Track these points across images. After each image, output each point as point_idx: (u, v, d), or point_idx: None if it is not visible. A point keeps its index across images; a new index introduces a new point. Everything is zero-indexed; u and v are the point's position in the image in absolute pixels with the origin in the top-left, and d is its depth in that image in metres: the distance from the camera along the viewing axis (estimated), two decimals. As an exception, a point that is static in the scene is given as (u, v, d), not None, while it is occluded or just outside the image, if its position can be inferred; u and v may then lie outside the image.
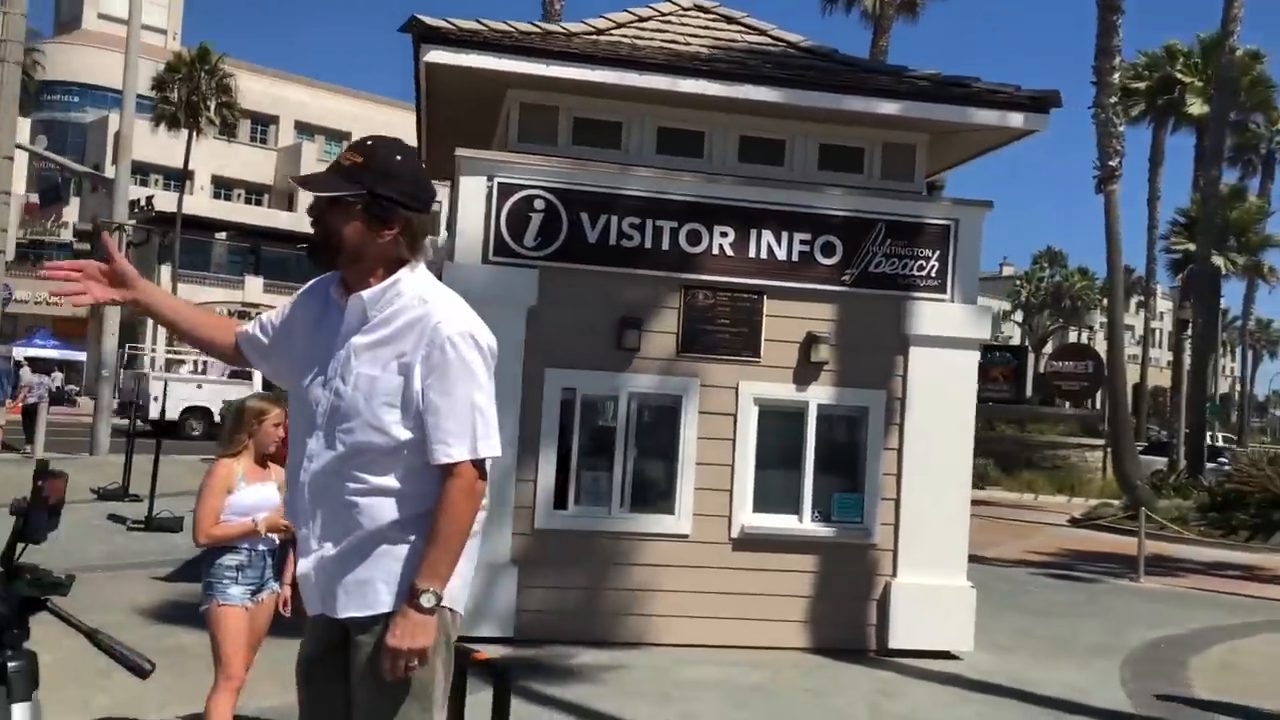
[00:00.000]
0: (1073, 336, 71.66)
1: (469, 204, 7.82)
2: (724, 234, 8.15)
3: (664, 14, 9.33)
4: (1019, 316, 76.40)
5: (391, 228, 2.51)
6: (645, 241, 8.03)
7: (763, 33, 9.35)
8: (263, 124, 56.75)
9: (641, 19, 9.10)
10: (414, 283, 2.56)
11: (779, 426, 8.35)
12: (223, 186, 55.03)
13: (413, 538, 2.49)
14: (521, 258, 7.85)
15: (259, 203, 56.20)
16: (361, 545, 2.50)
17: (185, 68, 44.06)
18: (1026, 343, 66.31)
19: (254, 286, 47.09)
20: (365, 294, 2.53)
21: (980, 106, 8.43)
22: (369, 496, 2.50)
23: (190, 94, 44.16)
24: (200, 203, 49.55)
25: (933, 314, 8.37)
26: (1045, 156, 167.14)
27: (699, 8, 9.60)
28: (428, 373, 2.46)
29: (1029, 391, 35.64)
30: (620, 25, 8.93)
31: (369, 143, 2.57)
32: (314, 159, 56.64)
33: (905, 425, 8.34)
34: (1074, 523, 21.22)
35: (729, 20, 9.49)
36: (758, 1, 10.54)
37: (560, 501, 7.97)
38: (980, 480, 26.06)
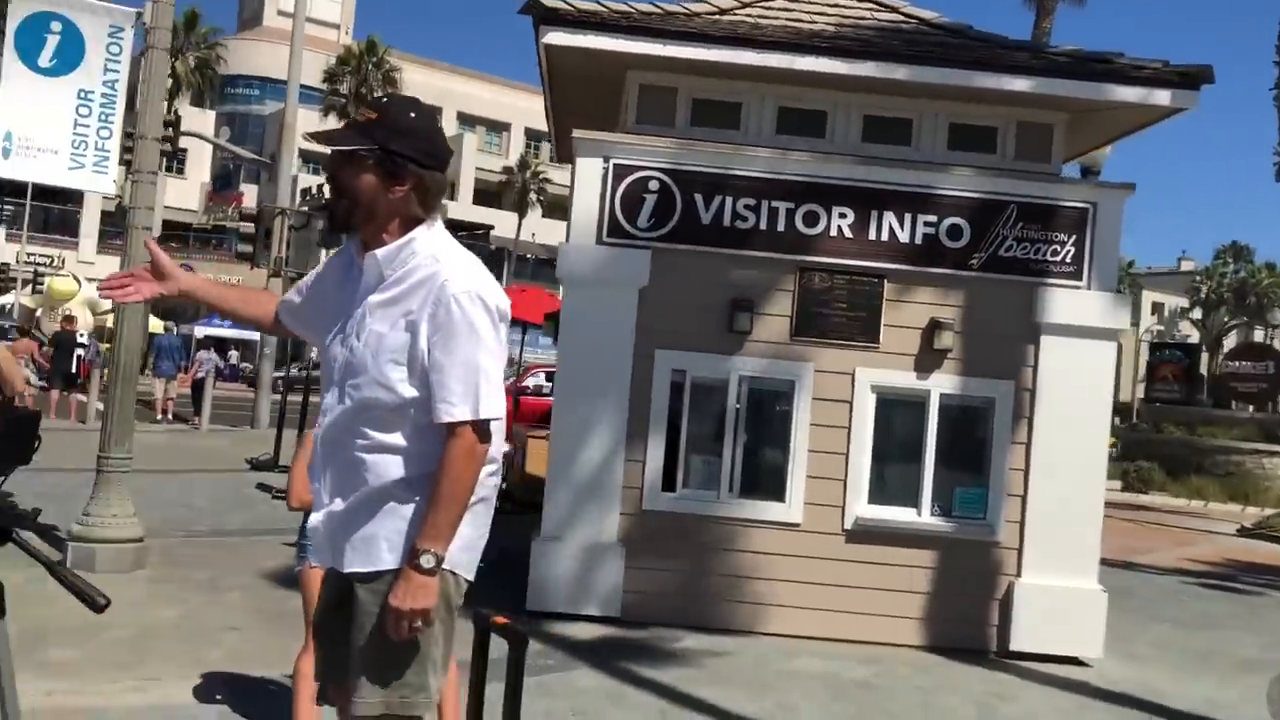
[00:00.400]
0: (1258, 336, 67.39)
1: (585, 185, 7.84)
2: (843, 215, 7.93)
3: (792, -10, 9.12)
4: (1197, 314, 72.29)
5: (404, 184, 2.53)
6: (760, 223, 7.89)
7: (895, 9, 9.05)
8: (427, 115, 58.60)
9: (768, -2, 8.92)
10: (428, 241, 2.57)
11: (898, 415, 8.10)
12: (388, 175, 57.08)
13: (419, 498, 2.49)
14: (635, 239, 7.83)
15: (421, 191, 58.02)
16: (368, 501, 2.52)
17: (354, 60, 46.00)
18: (1203, 342, 62.75)
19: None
20: (380, 252, 2.56)
21: (1122, 83, 7.94)
22: (376, 453, 2.51)
23: (359, 86, 46.07)
24: (367, 191, 51.43)
25: (1066, 302, 7.95)
26: (1236, 143, 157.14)
27: (828, -16, 9.35)
28: (433, 331, 2.45)
29: (1202, 393, 33.70)
30: (746, 5, 8.78)
31: (384, 100, 2.62)
32: (474, 149, 58.22)
33: (1035, 418, 7.96)
34: (1243, 532, 19.89)
35: (858, -3, 9.22)
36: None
37: (668, 484, 7.93)
38: (1143, 484, 24.73)
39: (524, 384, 19.82)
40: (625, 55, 7.92)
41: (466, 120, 59.19)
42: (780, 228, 7.91)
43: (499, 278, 15.84)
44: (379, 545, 2.49)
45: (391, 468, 2.50)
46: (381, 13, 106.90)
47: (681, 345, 7.88)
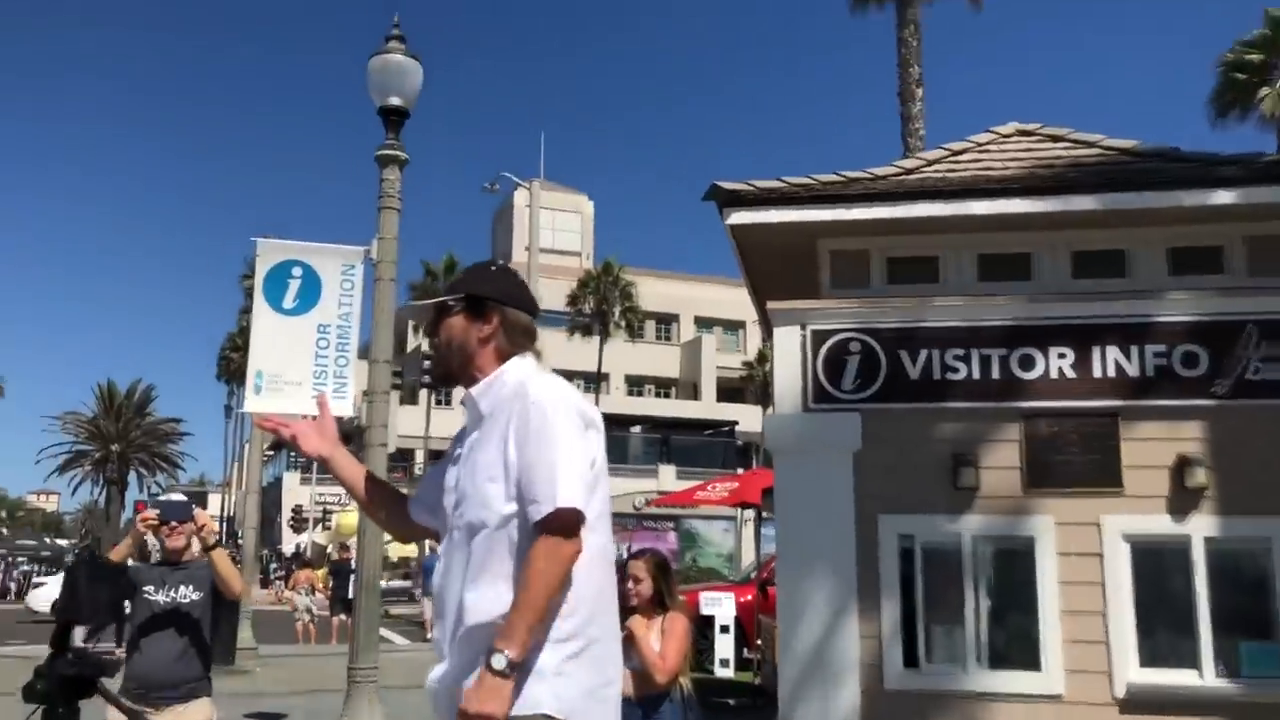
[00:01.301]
0: None
1: (785, 354, 7.83)
2: (1062, 355, 7.50)
3: (981, 144, 9.05)
4: None
5: (490, 321, 2.67)
6: (972, 372, 7.58)
7: (1092, 145, 8.77)
8: (665, 322, 60.83)
9: (955, 152, 8.89)
10: (517, 370, 2.66)
11: (1158, 565, 7.33)
12: (634, 384, 59.15)
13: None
14: (842, 402, 7.68)
15: (667, 395, 59.64)
16: (474, 651, 2.43)
17: (594, 282, 48.64)
18: None
19: (667, 474, 49.42)
20: (474, 389, 2.67)
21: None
22: (480, 587, 2.46)
23: (599, 304, 48.53)
24: (615, 400, 53.44)
25: (1340, 421, 7.11)
26: None
27: (1021, 132, 9.23)
28: (518, 438, 2.48)
29: None
30: (932, 162, 8.77)
31: (467, 267, 2.84)
32: (714, 349, 59.62)
33: (1323, 554, 7.02)
34: None
35: (1054, 139, 9.02)
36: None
37: (910, 659, 7.42)
38: None
39: (768, 574, 19.36)
40: (812, 224, 8.01)
41: (704, 323, 61.00)
42: (995, 375, 7.56)
43: (747, 468, 15.85)
44: None
45: (495, 606, 2.42)
46: (618, 234, 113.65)
47: (905, 508, 7.53)
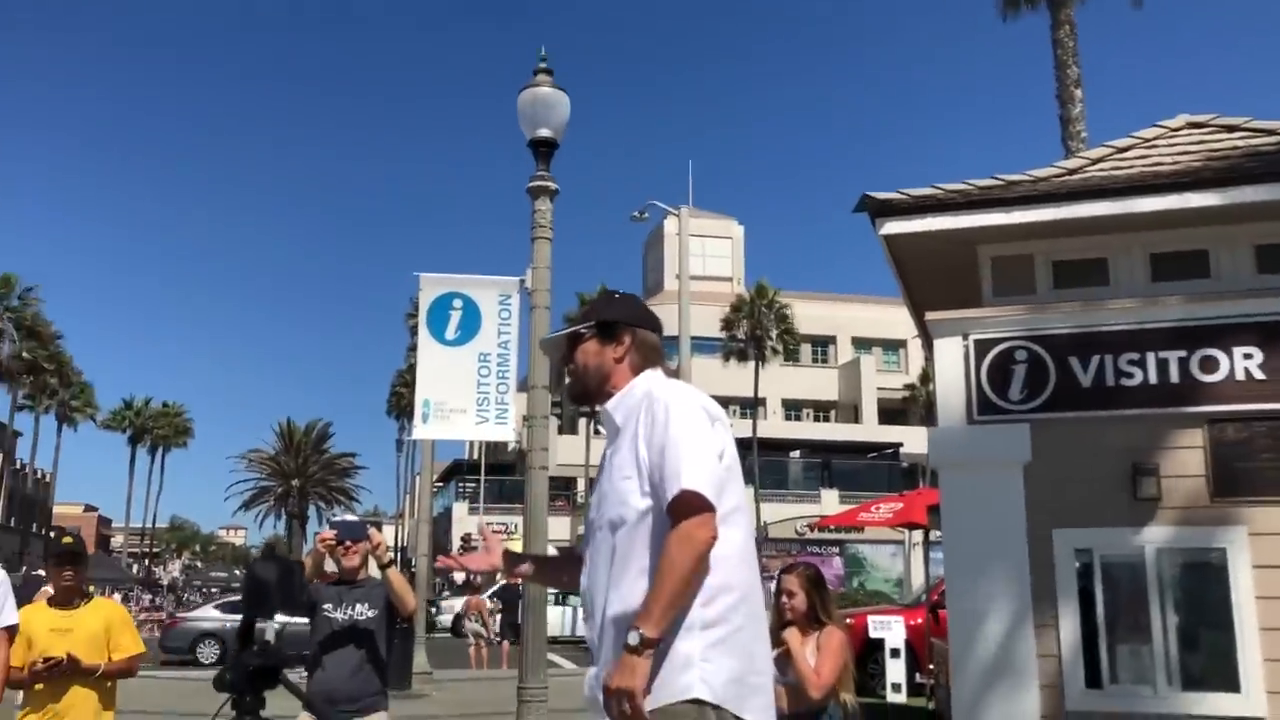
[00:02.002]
0: None
1: (946, 366, 7.61)
2: (1248, 355, 7.06)
3: (1148, 140, 8.64)
4: None
5: (621, 342, 2.85)
6: (1149, 377, 7.20)
7: (1271, 133, 8.25)
8: (822, 345, 60.05)
9: (1121, 149, 8.50)
10: (646, 381, 2.79)
11: (1369, 577, 6.79)
12: (791, 408, 58.56)
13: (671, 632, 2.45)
14: (1009, 413, 7.41)
15: (826, 419, 58.82)
16: (622, 638, 2.48)
17: (747, 306, 48.47)
18: None
19: (829, 498, 48.70)
20: (609, 403, 2.81)
21: None
22: (623, 585, 2.54)
23: (754, 328, 48.31)
24: (773, 425, 53.01)
25: None
26: None
27: (1192, 124, 8.77)
28: (646, 436, 2.60)
29: None
30: (1096, 160, 8.42)
31: (592, 297, 2.92)
32: (874, 370, 58.53)
33: None
34: None
35: (1229, 129, 8.53)
36: None
37: (1093, 679, 7.06)
38: None
39: (939, 597, 18.78)
40: (971, 231, 7.78)
41: (862, 344, 59.96)
42: (1174, 379, 7.17)
43: (913, 490, 15.42)
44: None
45: (639, 597, 2.49)
46: (770, 258, 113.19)
47: (1081, 521, 7.20)
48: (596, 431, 45.33)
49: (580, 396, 2.89)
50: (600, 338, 2.85)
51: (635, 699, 2.36)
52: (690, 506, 2.45)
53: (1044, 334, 7.43)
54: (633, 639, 2.38)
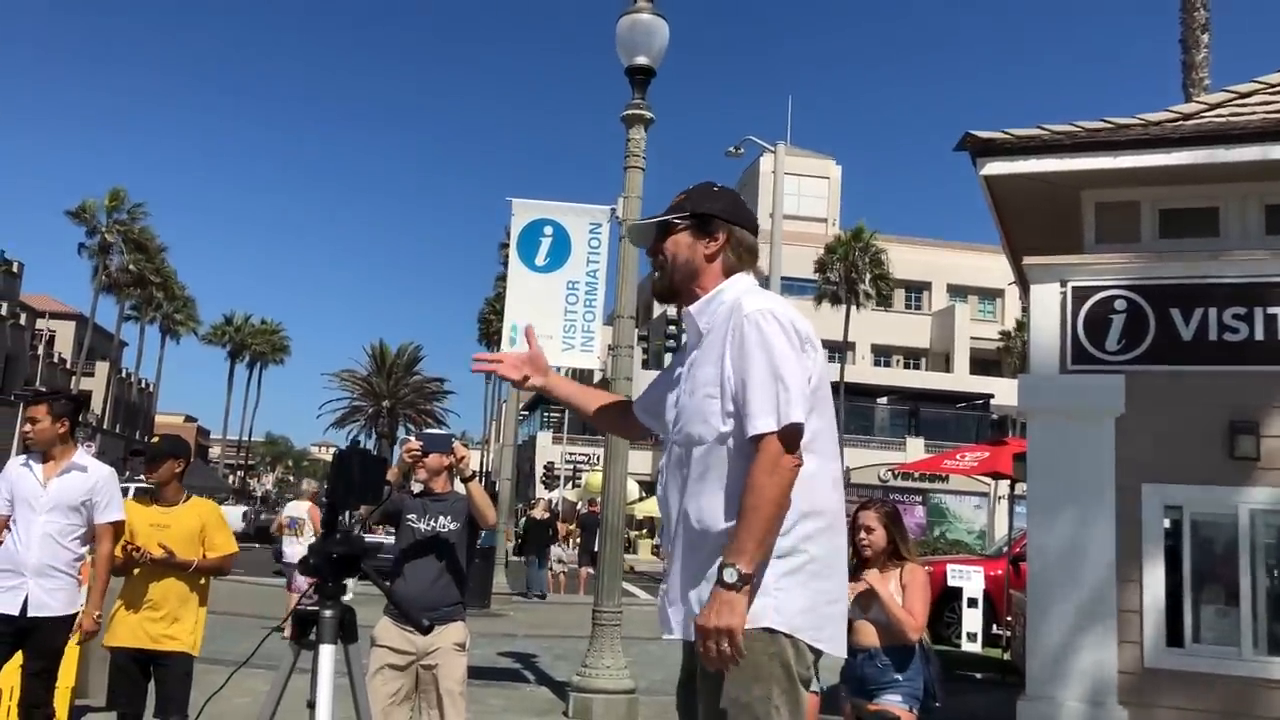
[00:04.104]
0: None
1: (1042, 312, 7.43)
2: (1364, 316, 6.76)
3: (1273, 85, 8.21)
4: None
5: (715, 238, 2.69)
6: (1255, 333, 6.94)
7: None
8: (915, 291, 59.01)
9: (1242, 95, 8.11)
10: (735, 287, 2.67)
11: None
12: (881, 354, 57.82)
13: None
14: (1104, 363, 7.22)
15: (916, 366, 57.99)
16: (701, 561, 2.48)
17: (842, 248, 47.77)
18: None
19: (915, 447, 48.21)
20: (693, 306, 2.69)
21: None
22: (701, 498, 2.50)
23: (848, 271, 47.64)
24: (862, 370, 52.45)
25: None
26: None
27: (1322, 70, 8.31)
28: (733, 356, 2.49)
29: None
30: (1215, 106, 8.05)
31: (690, 186, 2.80)
32: (968, 319, 57.41)
33: None
34: None
35: (1362, 75, 8.08)
36: None
37: (1174, 638, 6.94)
38: None
39: (1020, 549, 18.55)
40: (1076, 174, 7.54)
41: (957, 291, 58.78)
42: (1282, 337, 6.90)
43: (1001, 444, 15.19)
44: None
45: (716, 513, 2.46)
46: (867, 200, 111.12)
47: (1173, 478, 7.02)
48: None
49: (664, 292, 2.77)
50: (694, 231, 2.69)
51: (735, 637, 2.30)
52: (781, 439, 2.38)
53: (1146, 284, 7.20)
54: (729, 575, 2.31)
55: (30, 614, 4.95)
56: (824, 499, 2.51)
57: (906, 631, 4.59)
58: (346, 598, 2.64)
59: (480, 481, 5.50)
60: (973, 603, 14.06)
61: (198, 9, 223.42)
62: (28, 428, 5.10)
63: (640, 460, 41.74)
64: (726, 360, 2.51)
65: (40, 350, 56.29)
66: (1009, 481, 14.66)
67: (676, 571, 2.57)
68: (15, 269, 55.16)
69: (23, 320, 53.69)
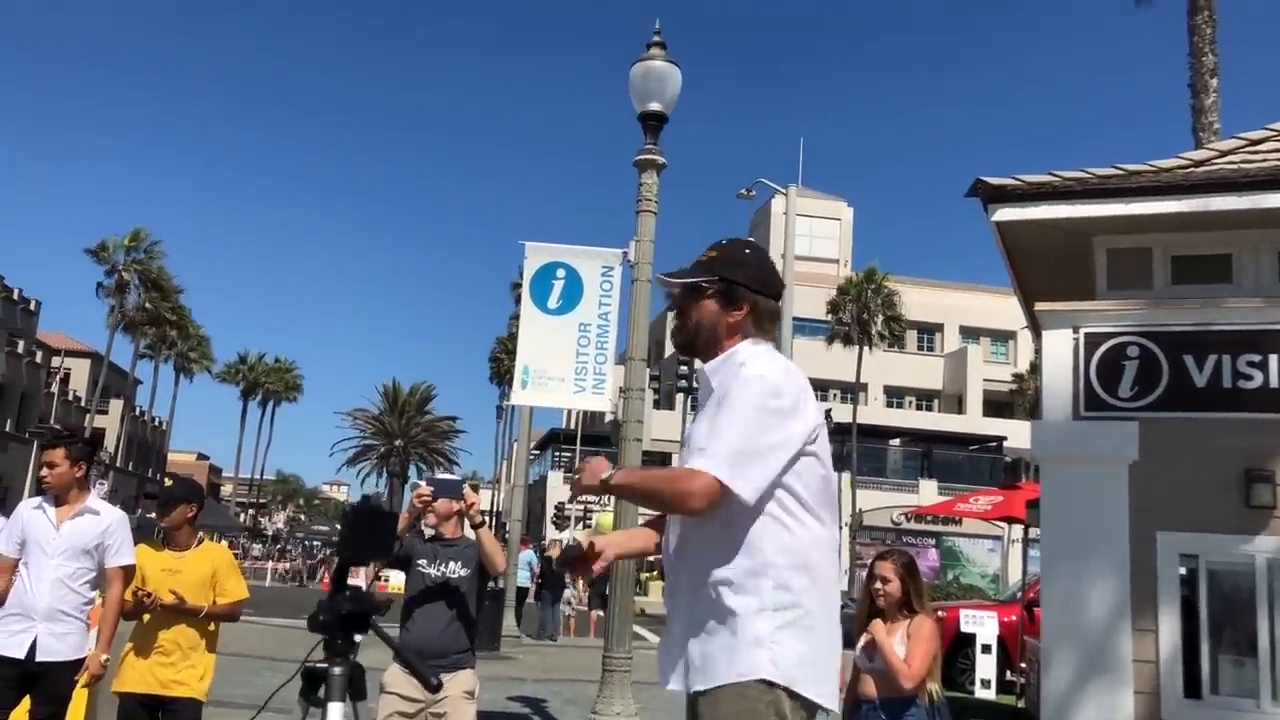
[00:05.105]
0: None
1: (1054, 358, 7.42)
2: (1379, 363, 6.72)
3: (1284, 131, 8.25)
4: None
5: (740, 308, 2.72)
6: (1270, 380, 6.91)
7: None
8: (928, 332, 58.97)
9: (1253, 142, 8.15)
10: (747, 350, 2.69)
11: None
12: (894, 395, 57.69)
13: (747, 598, 2.46)
14: (1117, 410, 7.19)
15: (929, 408, 57.83)
16: (700, 612, 2.52)
17: (854, 289, 47.78)
18: None
19: (928, 489, 47.93)
20: (708, 364, 2.73)
21: None
22: (701, 549, 2.55)
23: (860, 312, 47.62)
24: (874, 412, 52.31)
25: None
26: None
27: (1333, 117, 8.34)
28: (718, 404, 2.57)
29: None
30: (1226, 153, 8.08)
31: (724, 242, 2.83)
32: (980, 361, 57.30)
33: None
34: None
35: (1376, 122, 8.10)
36: None
37: (1191, 689, 6.85)
38: None
39: (1035, 594, 18.36)
40: (1088, 220, 7.56)
41: (969, 333, 58.72)
42: (1297, 384, 6.87)
43: (1015, 488, 15.14)
44: (715, 661, 2.47)
45: (712, 564, 2.50)
46: (879, 241, 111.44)
47: (1188, 526, 6.97)
48: (692, 407, 45.43)
49: (685, 347, 2.82)
50: (721, 298, 2.72)
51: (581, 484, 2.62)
52: (717, 485, 2.42)
53: (1159, 330, 7.18)
54: (605, 474, 2.56)
55: (38, 658, 4.94)
56: (819, 561, 2.55)
57: (900, 679, 4.58)
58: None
59: (490, 525, 5.48)
60: (986, 649, 13.92)
61: (214, 51, 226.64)
62: (45, 472, 5.11)
63: (651, 501, 41.46)
64: (712, 408, 2.59)
65: (55, 388, 56.56)
66: (1023, 525, 14.56)
67: (677, 621, 2.62)
68: (32, 307, 55.55)
69: (39, 358, 54.02)
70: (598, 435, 55.55)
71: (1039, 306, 7.59)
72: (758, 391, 2.52)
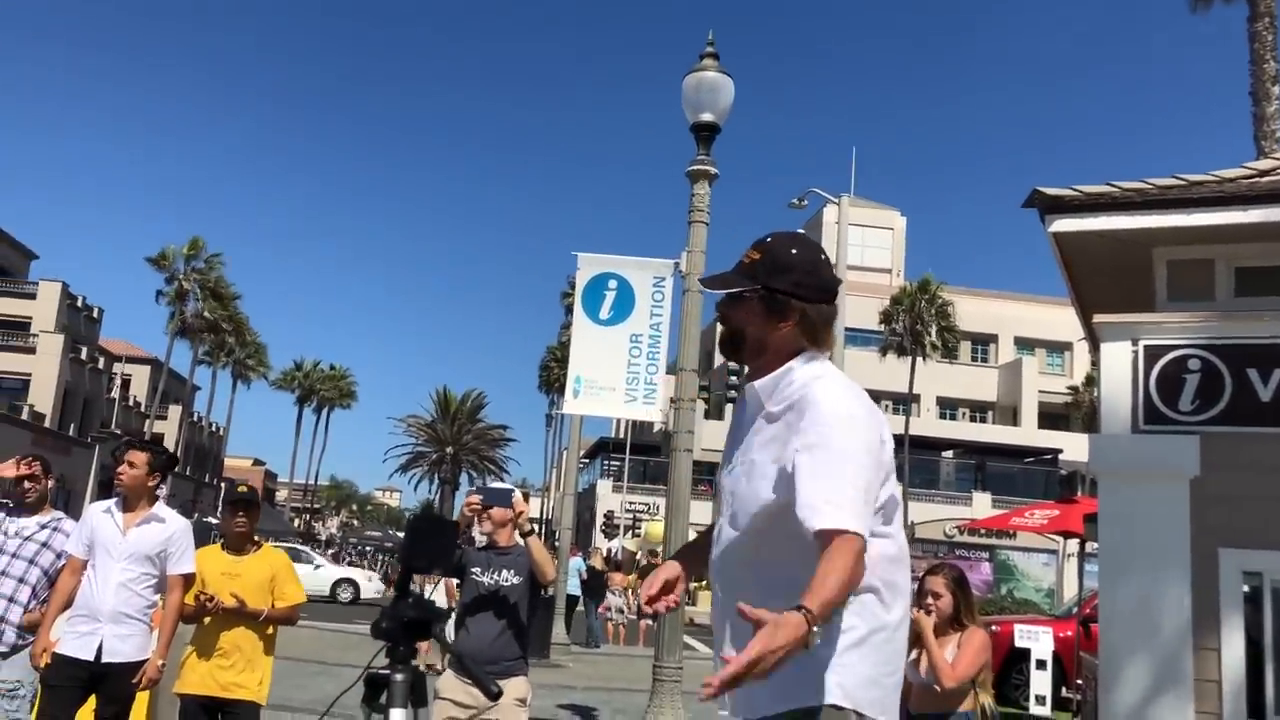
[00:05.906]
0: None
1: (1112, 371, 7.30)
2: None
3: (1352, 139, 8.07)
4: None
5: (787, 320, 2.50)
6: (1337, 395, 6.76)
7: None
8: (982, 343, 58.31)
9: (1320, 150, 7.97)
10: (806, 369, 2.50)
11: None
12: (947, 406, 57.09)
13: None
14: (1177, 424, 7.06)
15: (982, 420, 57.15)
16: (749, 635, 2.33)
17: (908, 299, 47.40)
18: None
19: (981, 502, 47.35)
20: (758, 383, 2.54)
21: None
22: (763, 586, 2.42)
23: (913, 323, 47.23)
24: (927, 423, 51.83)
25: None
26: None
27: (1404, 125, 8.15)
28: (802, 445, 2.35)
29: None
30: (1292, 161, 7.92)
31: (768, 239, 2.58)
32: (1036, 372, 56.55)
33: None
34: None
35: None
36: None
37: (1255, 709, 6.70)
38: None
39: (1091, 610, 18.06)
40: (1148, 232, 7.44)
41: (1025, 344, 57.98)
42: (1365, 399, 6.70)
43: (1071, 502, 14.92)
44: (780, 686, 2.28)
45: (787, 586, 2.30)
46: (932, 251, 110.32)
47: (1252, 543, 6.81)
48: (744, 418, 45.12)
49: (730, 351, 2.63)
50: (765, 305, 2.49)
51: (775, 659, 2.07)
52: (855, 544, 2.22)
53: (1221, 343, 7.05)
54: (796, 611, 2.10)
55: (104, 660, 5.06)
56: (888, 573, 2.45)
57: (940, 677, 4.55)
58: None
59: (540, 533, 5.52)
60: (1041, 664, 13.71)
61: (274, 59, 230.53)
62: (122, 469, 5.22)
63: (701, 511, 41.51)
64: (790, 448, 2.38)
65: (116, 393, 57.75)
66: (1079, 539, 14.34)
67: (728, 646, 2.50)
68: (95, 314, 56.83)
69: (100, 364, 55.21)
70: (647, 444, 55.61)
71: (1098, 318, 7.48)
72: (861, 437, 2.36)
